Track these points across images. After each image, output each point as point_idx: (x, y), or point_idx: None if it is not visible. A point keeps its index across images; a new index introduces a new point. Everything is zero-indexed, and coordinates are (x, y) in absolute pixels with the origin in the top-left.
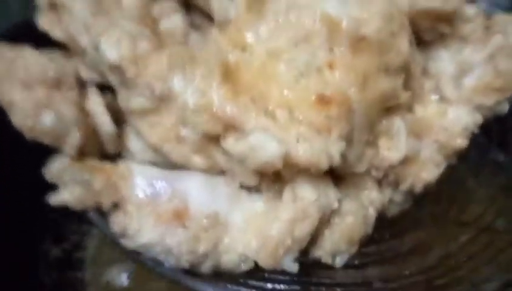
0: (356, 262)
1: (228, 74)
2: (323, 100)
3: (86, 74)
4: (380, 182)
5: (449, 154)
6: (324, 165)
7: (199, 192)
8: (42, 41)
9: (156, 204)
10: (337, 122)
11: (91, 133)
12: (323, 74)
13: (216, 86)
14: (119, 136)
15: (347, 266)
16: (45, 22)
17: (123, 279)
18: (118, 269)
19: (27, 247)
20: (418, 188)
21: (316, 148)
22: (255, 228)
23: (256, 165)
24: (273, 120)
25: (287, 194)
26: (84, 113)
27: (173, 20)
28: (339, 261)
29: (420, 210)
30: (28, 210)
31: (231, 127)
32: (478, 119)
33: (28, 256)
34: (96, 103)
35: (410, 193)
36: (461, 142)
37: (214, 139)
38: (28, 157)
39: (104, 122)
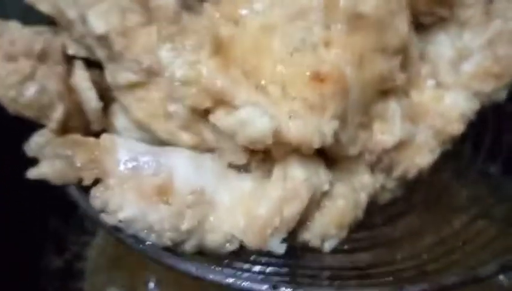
0: (346, 247)
1: (219, 47)
2: (317, 77)
3: (73, 49)
4: (372, 168)
5: (444, 139)
6: (316, 143)
7: (185, 168)
8: None
9: (139, 178)
10: (331, 100)
11: (76, 109)
12: (319, 51)
13: (206, 58)
14: (105, 113)
15: (336, 251)
16: None
17: None
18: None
19: (28, 258)
20: (412, 174)
21: (309, 126)
22: (242, 207)
23: (245, 141)
24: (265, 95)
25: (277, 173)
26: (69, 88)
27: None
28: (328, 246)
29: (412, 196)
30: (29, 221)
31: (220, 100)
32: (475, 105)
33: (29, 267)
34: (81, 77)
35: (402, 179)
36: (457, 128)
37: (203, 115)
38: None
39: (89, 97)
